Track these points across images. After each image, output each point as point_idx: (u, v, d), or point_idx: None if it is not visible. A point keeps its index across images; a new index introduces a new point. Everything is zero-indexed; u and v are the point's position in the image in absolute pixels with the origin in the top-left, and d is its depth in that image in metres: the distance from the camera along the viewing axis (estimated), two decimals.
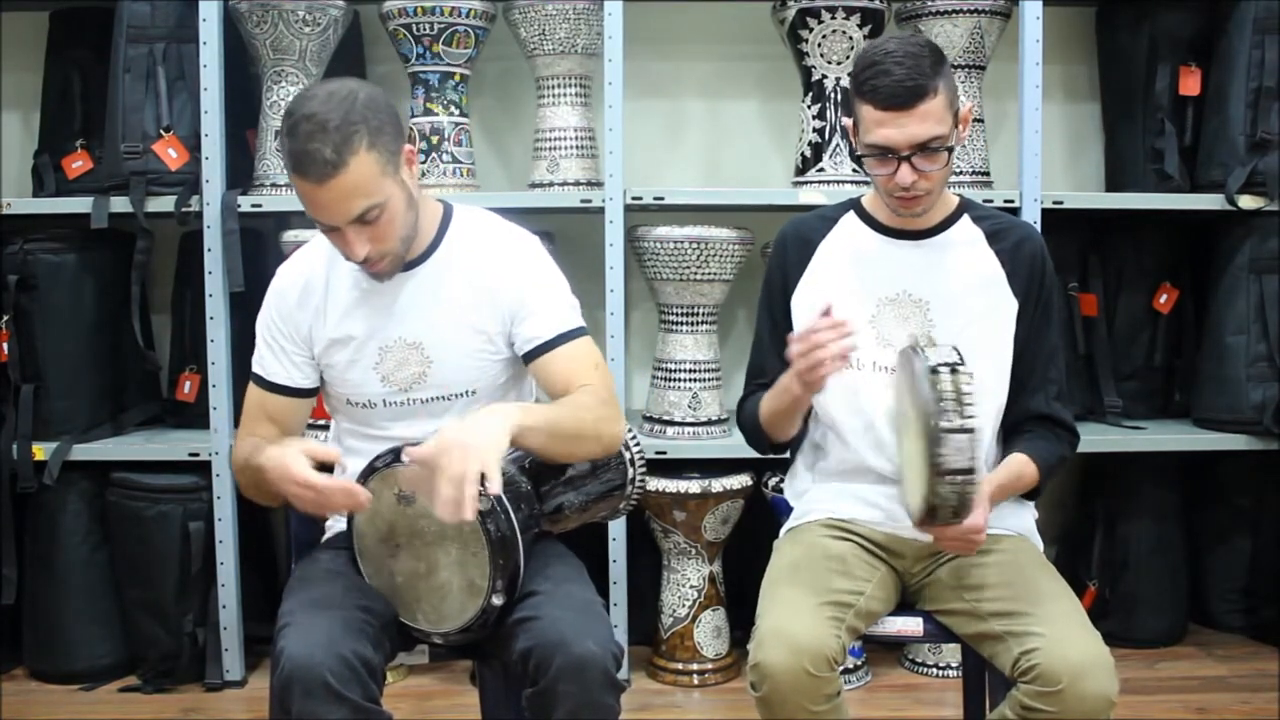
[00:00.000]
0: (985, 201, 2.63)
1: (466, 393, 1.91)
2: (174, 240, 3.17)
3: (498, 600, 1.70)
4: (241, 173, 3.04)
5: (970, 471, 1.61)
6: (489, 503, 1.68)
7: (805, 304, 2.00)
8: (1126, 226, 3.24)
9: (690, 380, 2.98)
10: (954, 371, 1.62)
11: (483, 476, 1.59)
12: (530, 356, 1.90)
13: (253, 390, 1.95)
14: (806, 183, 3.04)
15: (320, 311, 1.91)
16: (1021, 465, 1.88)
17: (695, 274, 2.90)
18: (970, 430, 1.60)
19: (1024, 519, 2.00)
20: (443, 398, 1.91)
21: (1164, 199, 3.09)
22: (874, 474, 1.95)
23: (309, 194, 1.72)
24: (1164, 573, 3.20)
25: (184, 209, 2.91)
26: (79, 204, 2.96)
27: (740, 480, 2.90)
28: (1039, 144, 2.95)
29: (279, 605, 1.79)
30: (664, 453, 2.91)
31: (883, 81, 1.78)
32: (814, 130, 3.04)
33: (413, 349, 1.89)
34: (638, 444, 2.05)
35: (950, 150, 1.82)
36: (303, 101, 1.72)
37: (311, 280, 1.92)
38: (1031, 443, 1.91)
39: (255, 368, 1.95)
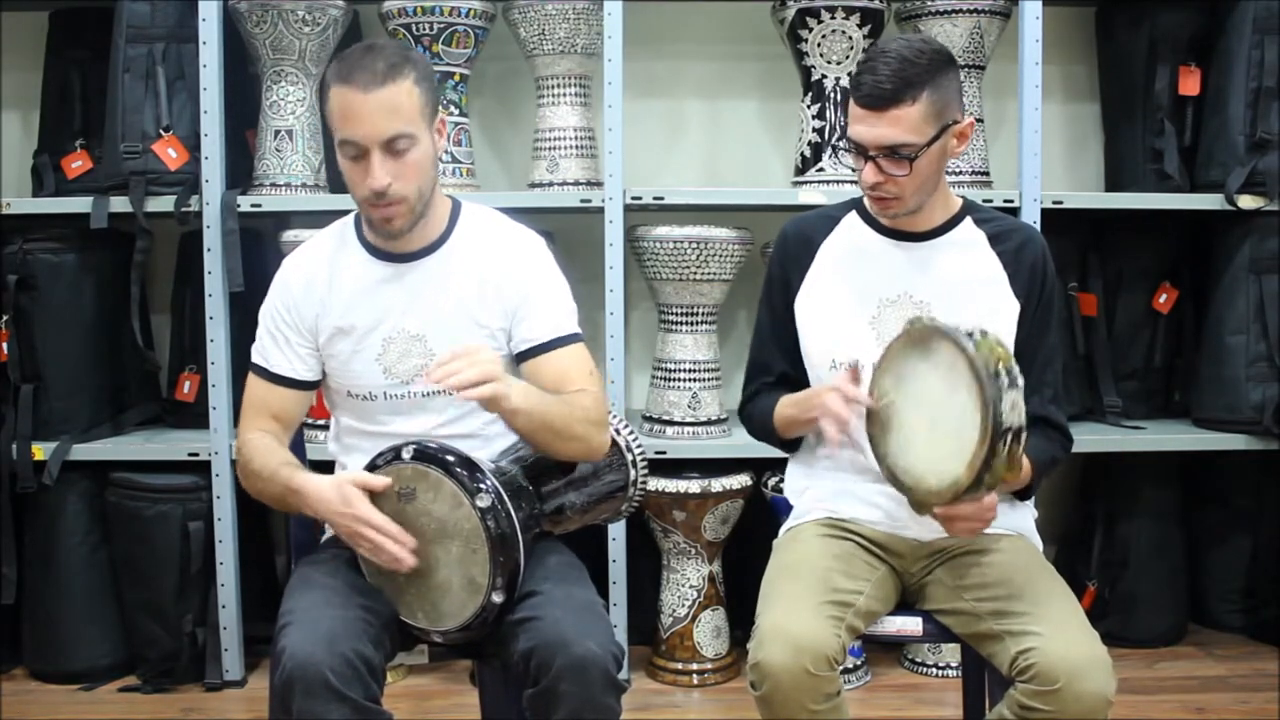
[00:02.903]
0: (985, 201, 2.63)
1: None
2: (174, 240, 3.17)
3: (497, 598, 1.70)
4: (241, 173, 3.04)
5: (1024, 429, 1.62)
6: (490, 499, 1.69)
7: (808, 305, 2.01)
8: (1126, 226, 3.24)
9: (690, 380, 2.98)
10: (984, 334, 1.65)
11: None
12: (523, 357, 1.91)
13: (253, 382, 1.95)
14: (806, 183, 3.04)
15: (325, 302, 1.91)
16: None
17: (695, 274, 2.90)
18: (1021, 386, 1.61)
19: (1023, 518, 2.00)
20: (443, 392, 1.90)
21: (1164, 199, 3.09)
22: (873, 473, 1.94)
23: (351, 104, 1.76)
24: (1164, 573, 3.21)
25: (184, 209, 2.91)
26: (79, 204, 2.96)
27: (740, 480, 2.90)
28: (1039, 144, 2.95)
29: (279, 605, 1.79)
30: (664, 453, 2.91)
31: (866, 79, 1.81)
32: (813, 130, 3.04)
33: (415, 341, 1.90)
34: (639, 445, 2.05)
35: (914, 160, 1.82)
36: (359, 44, 1.84)
37: (316, 271, 1.93)
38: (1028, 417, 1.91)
39: (256, 358, 1.95)
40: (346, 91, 1.76)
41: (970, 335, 1.64)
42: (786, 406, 1.98)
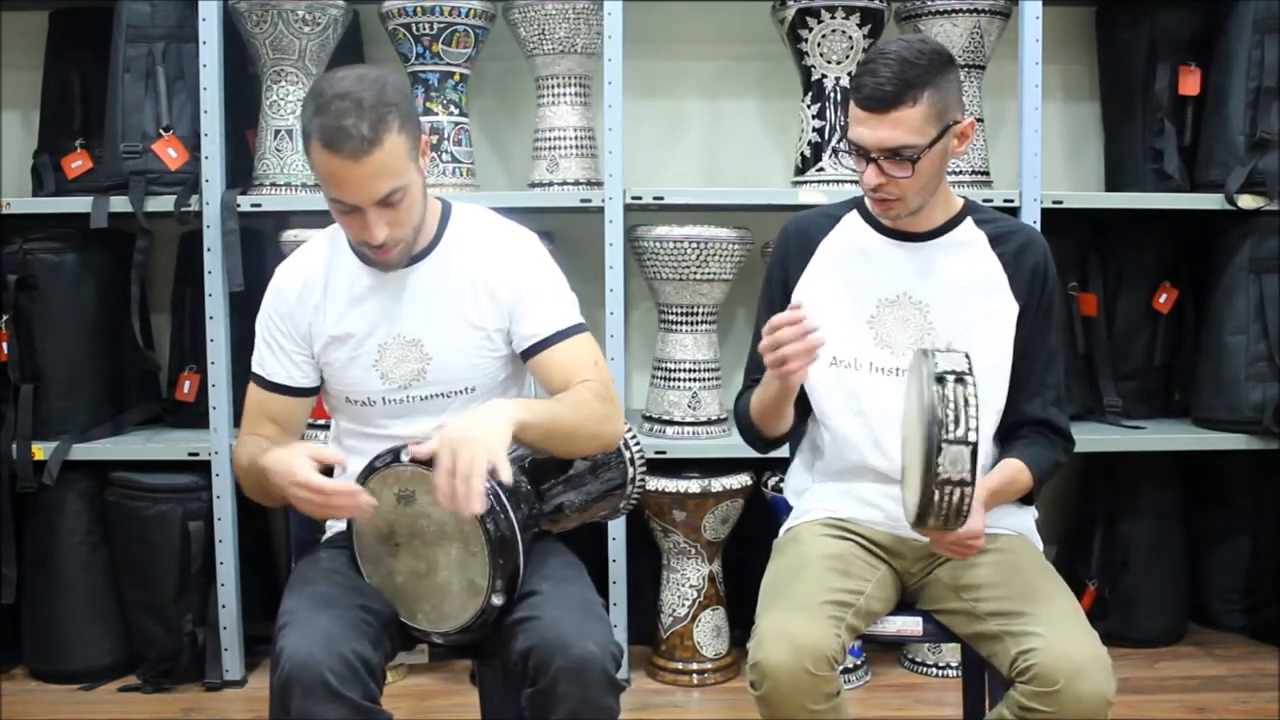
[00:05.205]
0: (985, 201, 2.63)
1: (465, 390, 1.92)
2: (174, 240, 3.17)
3: (497, 600, 1.70)
4: (241, 172, 3.04)
5: (965, 484, 1.61)
6: (489, 501, 1.68)
7: (806, 303, 2.00)
8: (1126, 226, 3.24)
9: (690, 380, 2.98)
10: (959, 381, 1.63)
11: (492, 471, 1.60)
12: (528, 354, 1.91)
13: (253, 390, 1.96)
14: (806, 182, 3.04)
15: (319, 309, 1.91)
16: (1015, 471, 1.88)
17: (695, 274, 2.90)
18: (971, 443, 1.60)
19: (1023, 519, 2.00)
20: (442, 395, 1.91)
21: (1164, 199, 3.09)
22: (874, 474, 1.95)
23: (339, 171, 1.70)
24: (1164, 572, 3.21)
25: (184, 209, 2.91)
26: (79, 204, 2.96)
27: (740, 480, 2.90)
28: (1039, 144, 2.95)
29: (279, 605, 1.79)
30: (664, 452, 2.91)
31: (866, 81, 1.80)
32: (813, 130, 3.04)
33: (411, 346, 1.89)
34: (638, 444, 2.05)
35: (915, 161, 1.81)
36: (333, 82, 1.72)
37: (310, 278, 1.92)
38: (1026, 448, 1.91)
39: (255, 367, 1.96)
40: (332, 159, 1.69)
41: (943, 379, 1.62)
42: (756, 394, 1.95)
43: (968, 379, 1.63)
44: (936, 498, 1.61)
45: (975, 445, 1.60)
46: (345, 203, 1.74)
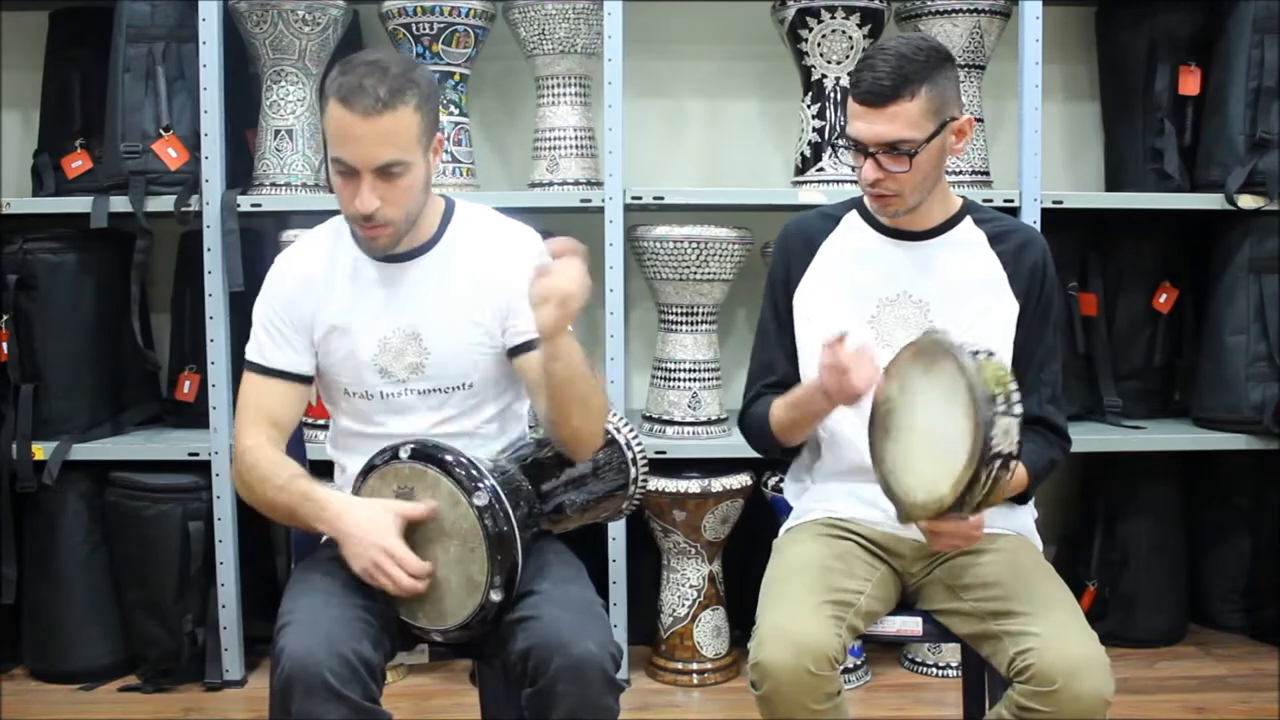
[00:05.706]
0: (985, 201, 2.64)
1: (463, 385, 1.92)
2: (174, 240, 3.17)
3: (496, 597, 1.70)
4: (241, 172, 3.04)
5: (1013, 456, 1.61)
6: (487, 497, 1.69)
7: (807, 304, 2.01)
8: (1126, 226, 3.24)
9: (690, 380, 2.98)
10: (990, 355, 1.64)
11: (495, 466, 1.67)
12: (515, 351, 1.91)
13: (250, 382, 1.92)
14: (806, 182, 3.04)
15: (321, 298, 1.91)
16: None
17: (695, 274, 2.90)
18: (1018, 415, 1.61)
19: (1023, 518, 2.00)
20: (439, 390, 1.91)
21: (1164, 199, 3.09)
22: (874, 474, 1.95)
23: (347, 127, 1.73)
24: (1164, 572, 3.20)
25: (184, 209, 2.91)
26: (79, 204, 2.96)
27: (740, 480, 2.90)
28: (1039, 143, 2.95)
29: (279, 605, 1.79)
30: (664, 452, 2.91)
31: (865, 76, 1.81)
32: (814, 130, 3.04)
33: (411, 339, 1.89)
34: (639, 444, 2.05)
35: (913, 156, 1.82)
36: (365, 52, 1.81)
37: (312, 269, 1.92)
38: (1022, 446, 1.91)
39: (252, 355, 1.92)
40: (344, 114, 1.73)
41: (975, 355, 1.63)
42: (780, 408, 1.97)
43: (995, 354, 1.64)
44: (987, 474, 1.60)
45: (1021, 416, 1.60)
46: (345, 163, 1.76)
